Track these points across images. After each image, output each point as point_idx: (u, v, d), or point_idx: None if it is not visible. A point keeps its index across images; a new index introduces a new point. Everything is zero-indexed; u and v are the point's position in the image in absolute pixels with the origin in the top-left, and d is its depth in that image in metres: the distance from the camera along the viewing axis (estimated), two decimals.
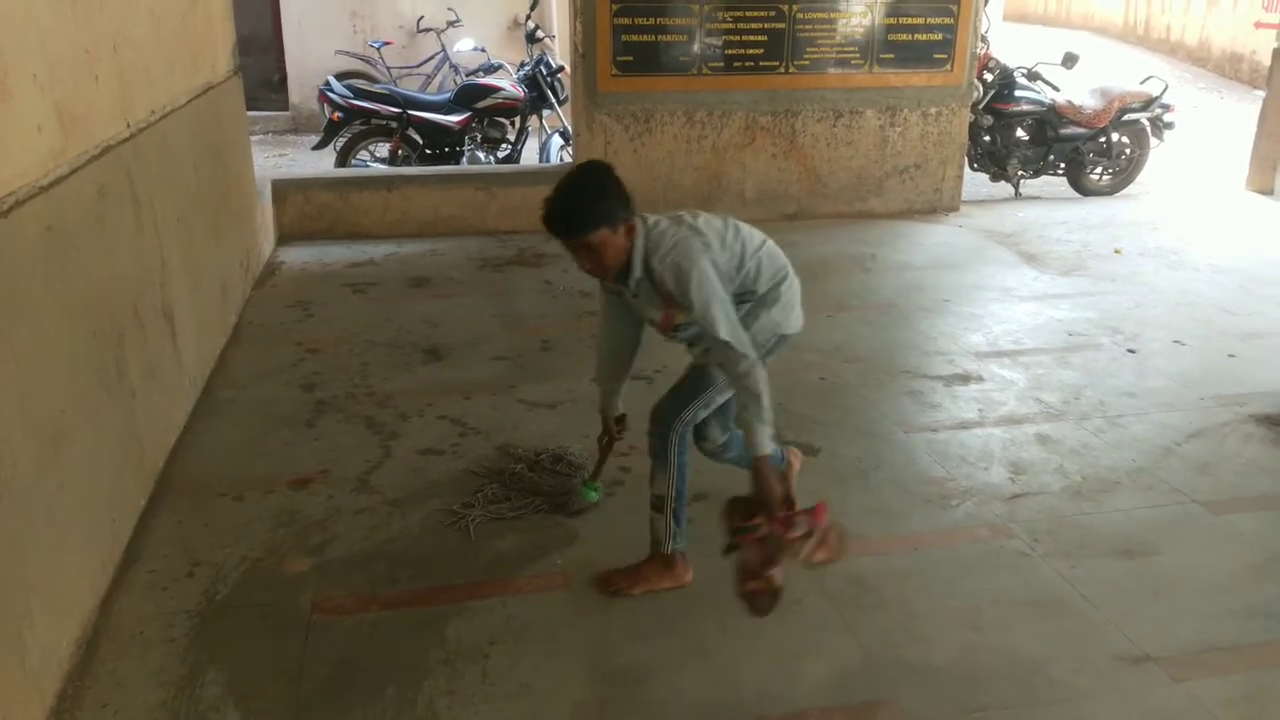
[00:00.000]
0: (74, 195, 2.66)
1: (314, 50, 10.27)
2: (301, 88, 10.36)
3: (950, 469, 3.42)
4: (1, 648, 2.05)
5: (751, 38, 6.35)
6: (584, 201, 2.41)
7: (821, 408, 3.87)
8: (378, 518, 3.09)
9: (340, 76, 9.28)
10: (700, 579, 2.78)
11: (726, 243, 2.54)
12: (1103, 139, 7.37)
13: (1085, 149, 7.38)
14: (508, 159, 7.57)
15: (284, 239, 6.13)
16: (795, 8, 6.33)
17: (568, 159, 7.25)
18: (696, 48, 6.28)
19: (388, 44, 10.29)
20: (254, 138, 10.02)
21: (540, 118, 7.94)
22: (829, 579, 2.80)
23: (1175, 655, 2.51)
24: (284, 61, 10.62)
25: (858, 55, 6.50)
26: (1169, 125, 7.40)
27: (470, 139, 7.42)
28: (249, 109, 10.44)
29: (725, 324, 2.39)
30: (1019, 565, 2.88)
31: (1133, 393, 4.01)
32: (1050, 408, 3.88)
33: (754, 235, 2.65)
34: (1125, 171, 7.53)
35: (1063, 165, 7.48)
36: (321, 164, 7.72)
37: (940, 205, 6.90)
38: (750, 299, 2.61)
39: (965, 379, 4.16)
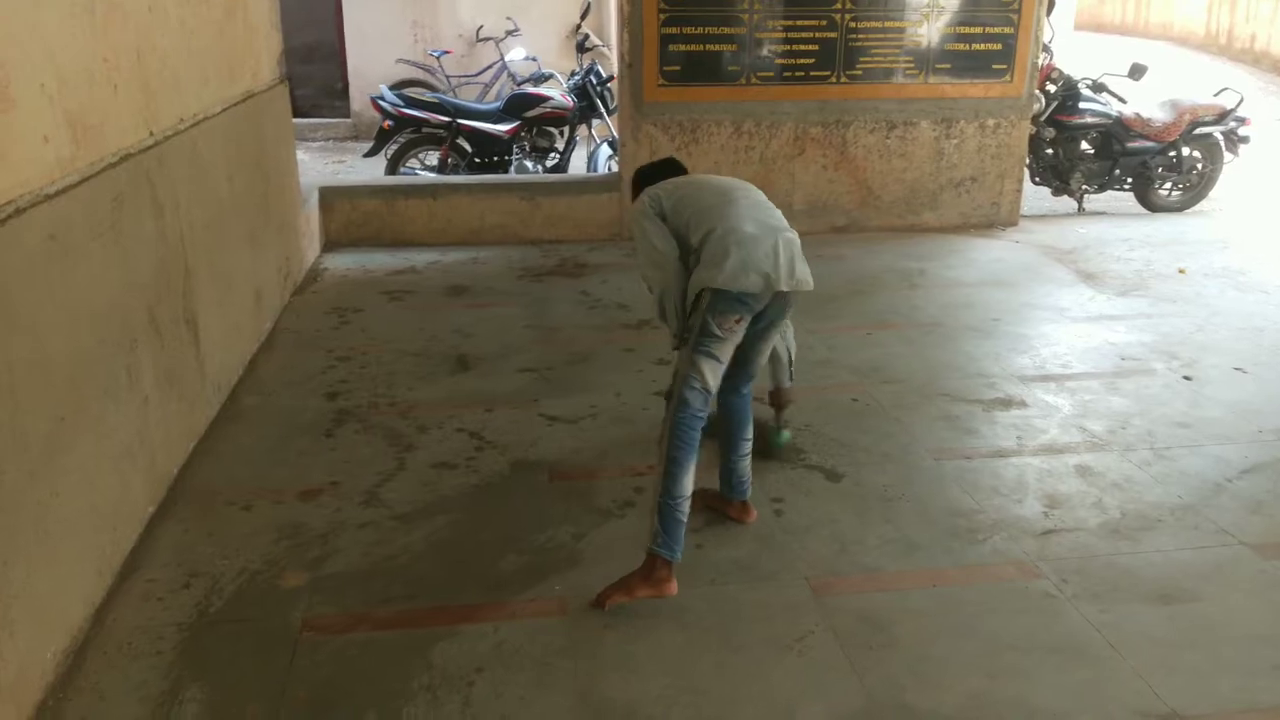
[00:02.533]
0: (84, 203, 2.67)
1: (375, 59, 10.42)
2: (362, 95, 10.45)
3: (980, 500, 3.25)
4: None
5: (802, 47, 6.22)
6: (632, 197, 3.04)
7: (850, 430, 3.73)
8: (381, 532, 3.04)
9: (400, 85, 9.43)
10: (702, 610, 2.67)
11: (660, 204, 2.83)
12: (1172, 153, 7.06)
13: (1153, 163, 7.07)
14: (555, 168, 7.54)
15: (330, 245, 6.18)
16: (848, 17, 6.18)
17: (615, 168, 7.19)
18: (745, 57, 6.17)
19: (447, 53, 10.40)
20: (315, 144, 10.33)
21: (590, 127, 7.90)
22: (839, 615, 2.67)
23: (1208, 714, 2.32)
24: (346, 70, 10.79)
25: (912, 65, 6.32)
26: (1244, 139, 7.05)
27: (519, 148, 7.41)
28: (313, 116, 10.82)
29: (641, 260, 2.85)
30: (1044, 607, 2.71)
31: (1185, 423, 3.78)
32: (1094, 437, 3.67)
33: (697, 197, 2.81)
34: (1196, 187, 7.20)
35: (1129, 180, 7.18)
36: (374, 171, 7.79)
37: (998, 220, 6.67)
38: (692, 253, 2.76)
39: (1006, 404, 3.97)
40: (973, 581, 2.83)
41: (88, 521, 2.63)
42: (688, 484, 2.67)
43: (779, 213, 2.86)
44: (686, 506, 2.67)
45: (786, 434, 3.54)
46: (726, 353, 2.73)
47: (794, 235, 2.78)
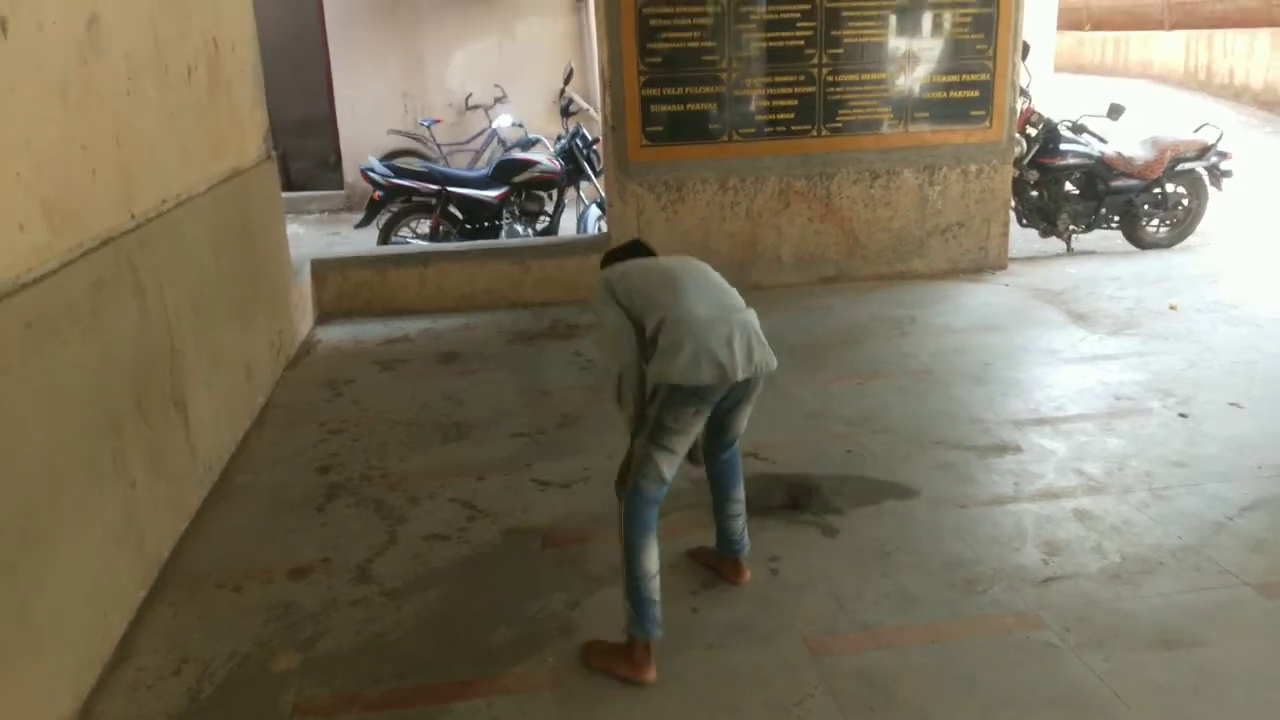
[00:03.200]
0: (62, 290, 2.68)
1: (367, 130, 10.57)
2: (355, 167, 10.60)
3: (979, 550, 3.21)
4: None
5: (782, 102, 6.30)
6: None
7: (844, 483, 3.69)
8: (373, 609, 3.00)
9: (392, 155, 9.56)
10: (698, 676, 2.63)
11: (613, 287, 2.73)
12: (1156, 190, 7.11)
13: (1139, 201, 7.12)
14: (546, 231, 7.61)
15: (324, 317, 6.20)
16: (825, 71, 6.27)
17: (604, 229, 7.24)
18: (726, 115, 6.24)
19: (437, 122, 10.55)
20: (310, 216, 10.43)
21: (578, 189, 7.98)
22: (838, 675, 2.62)
23: None
24: (339, 142, 10.94)
25: (892, 115, 6.39)
26: (1227, 173, 7.10)
27: (509, 213, 7.48)
28: (307, 188, 10.95)
29: (598, 342, 2.99)
30: (1046, 658, 2.65)
31: (1182, 462, 3.75)
32: (1091, 480, 3.64)
33: (644, 283, 2.70)
34: (1183, 223, 7.24)
35: (1116, 218, 7.23)
36: (367, 241, 7.84)
37: (986, 264, 6.69)
38: (649, 341, 2.64)
39: (1001, 450, 3.94)
40: (973, 635, 2.78)
41: (75, 610, 2.60)
42: (651, 563, 2.62)
43: (733, 292, 2.75)
44: (655, 584, 2.62)
45: None
46: (684, 445, 2.64)
47: (750, 316, 2.66)
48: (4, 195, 2.44)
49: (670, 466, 2.64)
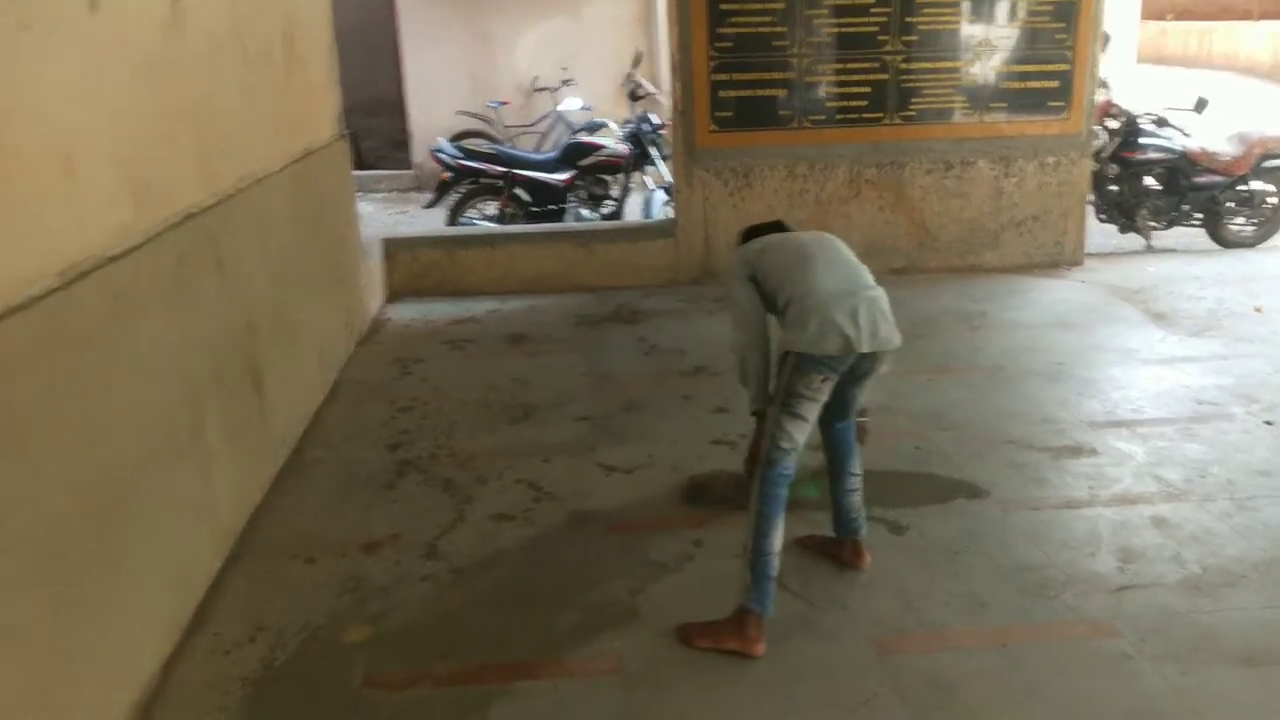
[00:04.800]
0: (146, 264, 2.73)
1: (435, 111, 10.66)
2: (423, 147, 10.71)
3: (1051, 554, 3.14)
4: (45, 715, 2.07)
5: (854, 89, 6.20)
6: None
7: (912, 481, 3.65)
8: (441, 586, 3.04)
9: (459, 136, 9.64)
10: (763, 670, 2.62)
11: (750, 263, 2.89)
12: (1242, 187, 6.88)
13: (1223, 198, 6.90)
14: (611, 215, 7.61)
15: (394, 296, 6.27)
16: (899, 58, 6.16)
17: (670, 214, 7.22)
18: (796, 101, 6.17)
19: (505, 103, 10.61)
20: (379, 196, 10.57)
21: (644, 174, 7.97)
22: (904, 676, 2.59)
23: None
24: (408, 122, 11.05)
25: (967, 104, 6.26)
26: None
27: (574, 196, 7.50)
28: (377, 168, 11.09)
29: (731, 318, 2.96)
30: (1120, 669, 2.59)
31: (1268, 471, 3.63)
32: (1171, 486, 3.54)
33: (779, 258, 2.83)
34: (1269, 221, 7.00)
35: (1199, 215, 7.01)
36: (435, 222, 7.92)
37: (1062, 259, 6.53)
38: (780, 314, 2.79)
39: (1076, 452, 3.85)
40: (1044, 640, 2.73)
41: (157, 577, 2.67)
42: (777, 539, 2.68)
43: (864, 270, 2.84)
44: (777, 562, 2.68)
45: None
46: (813, 412, 2.74)
47: (878, 293, 2.76)
48: (91, 172, 2.49)
49: (802, 434, 2.73)
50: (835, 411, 2.96)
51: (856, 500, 3.06)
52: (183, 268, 2.98)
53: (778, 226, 3.09)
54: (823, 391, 2.71)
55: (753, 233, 3.06)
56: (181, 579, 2.84)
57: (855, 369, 2.76)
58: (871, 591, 2.97)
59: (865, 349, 2.66)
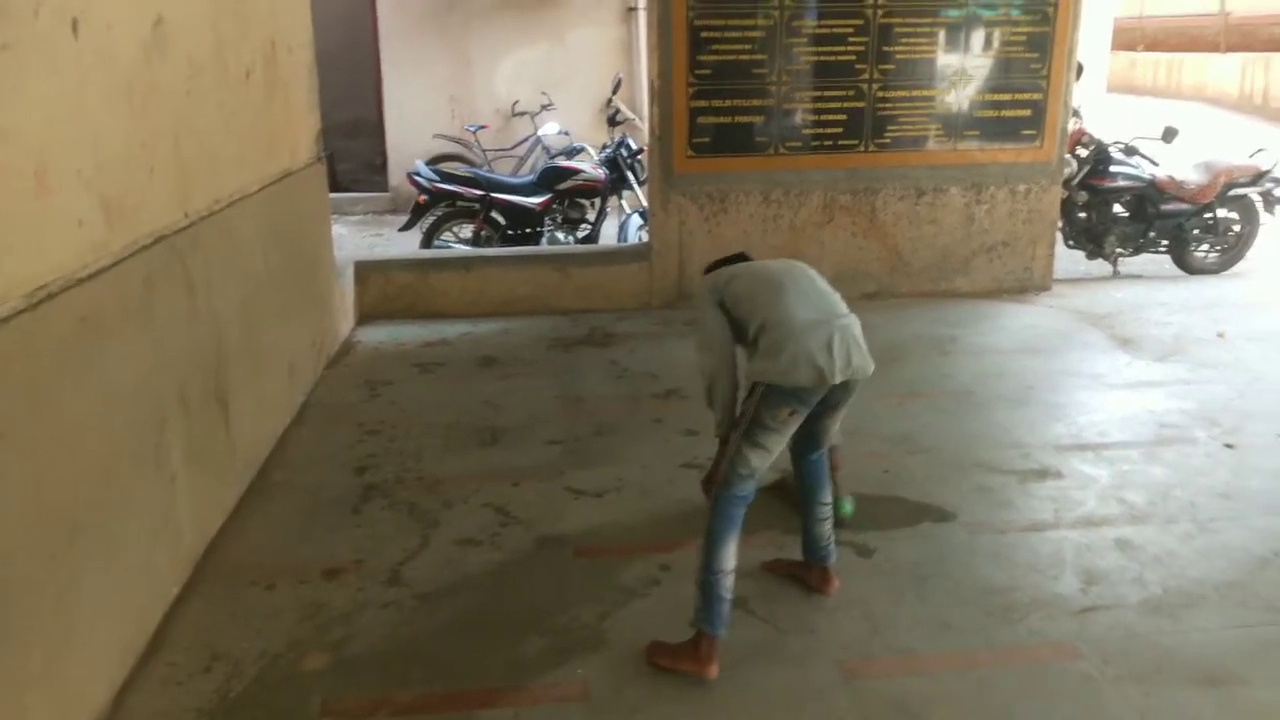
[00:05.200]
0: (115, 286, 2.72)
1: (414, 134, 10.65)
2: (401, 170, 10.66)
3: (1016, 577, 3.16)
4: None
5: (830, 116, 6.27)
6: None
7: (880, 504, 3.66)
8: (404, 613, 3.01)
9: (437, 159, 9.63)
10: (729, 695, 2.61)
11: (720, 290, 2.85)
12: (1208, 215, 6.99)
13: (1189, 225, 7.00)
14: (587, 239, 7.62)
15: (365, 318, 6.25)
16: (875, 86, 6.23)
17: (645, 239, 7.25)
18: (773, 128, 6.23)
19: (483, 127, 10.62)
20: (354, 218, 10.53)
21: (620, 198, 8.00)
22: (871, 701, 2.59)
23: None
24: (385, 145, 11.05)
25: (941, 132, 6.34)
26: None
27: (551, 220, 7.52)
28: (353, 190, 11.07)
29: (696, 343, 2.92)
30: (1084, 691, 2.61)
31: (1228, 494, 3.67)
32: (1134, 509, 3.57)
33: (750, 286, 2.80)
34: (1233, 249, 7.10)
35: (1165, 243, 7.11)
36: (410, 245, 7.91)
37: (1031, 285, 6.61)
38: (750, 343, 2.76)
39: (1042, 475, 3.88)
40: (1009, 664, 2.74)
41: (112, 602, 2.64)
42: (728, 558, 2.67)
43: (836, 297, 2.84)
44: (729, 582, 2.67)
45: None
46: (778, 443, 2.73)
47: (851, 320, 2.76)
48: (66, 192, 2.48)
49: (763, 463, 2.73)
50: (807, 444, 2.97)
51: (827, 528, 3.06)
52: (151, 289, 2.96)
53: (742, 258, 3.08)
54: (790, 424, 2.70)
55: (720, 264, 3.05)
56: (137, 605, 2.79)
57: (827, 399, 2.75)
58: (838, 615, 2.97)
59: (838, 380, 2.65)
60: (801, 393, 2.65)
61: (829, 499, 3.06)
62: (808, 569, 3.10)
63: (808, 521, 3.06)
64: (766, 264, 2.96)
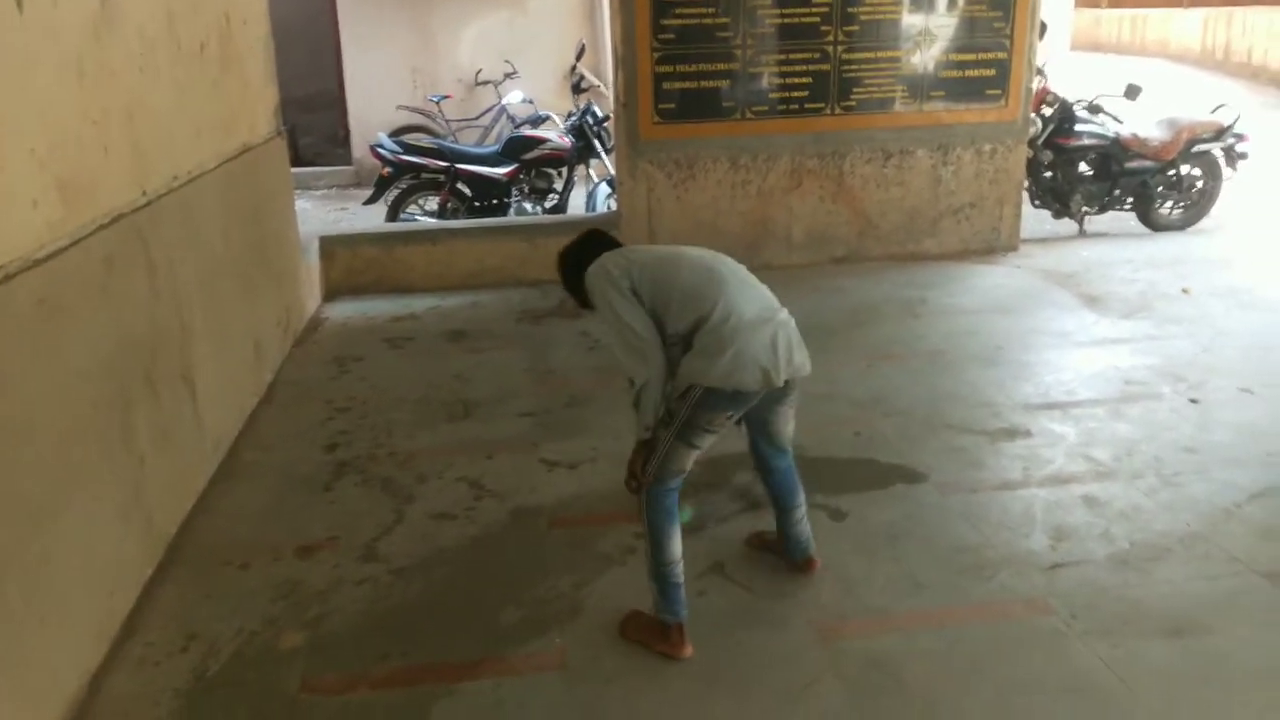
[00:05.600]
0: (74, 266, 2.67)
1: (375, 106, 10.51)
2: (363, 143, 10.51)
3: (987, 535, 3.20)
4: None
5: (796, 80, 6.23)
6: (570, 284, 2.81)
7: (853, 466, 3.69)
8: (380, 588, 3.01)
9: (401, 131, 9.52)
10: (706, 659, 2.63)
11: (631, 277, 2.57)
12: (1171, 172, 7.05)
13: (1153, 183, 7.06)
14: (555, 209, 7.57)
15: (331, 294, 6.19)
16: (840, 48, 6.20)
17: (614, 207, 7.21)
18: (739, 92, 6.19)
19: (447, 97, 10.48)
20: (318, 193, 10.39)
21: (588, 167, 7.94)
22: (847, 660, 2.62)
23: None
24: (347, 118, 10.89)
25: (906, 93, 6.33)
26: (1243, 155, 7.02)
27: (518, 190, 7.45)
28: (315, 164, 10.92)
29: (619, 346, 2.58)
30: (1054, 645, 2.65)
31: (1192, 447, 3.73)
32: (1100, 465, 3.62)
33: (676, 274, 2.56)
34: (1197, 205, 7.17)
35: (1130, 200, 7.17)
36: (375, 218, 7.82)
37: (998, 245, 6.64)
38: (673, 339, 2.56)
39: (1011, 434, 3.92)
40: (981, 620, 2.78)
41: (83, 586, 2.61)
42: (675, 549, 2.63)
43: (767, 291, 2.66)
44: (679, 569, 2.64)
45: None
46: (709, 443, 2.60)
47: (788, 317, 2.61)
48: (18, 172, 2.43)
49: (691, 460, 2.63)
50: (767, 445, 2.84)
51: (805, 528, 2.97)
52: (111, 269, 2.91)
53: (605, 240, 2.79)
54: (725, 426, 2.58)
55: (589, 248, 2.75)
56: (109, 587, 2.77)
57: (767, 397, 2.61)
58: (813, 578, 2.99)
59: (781, 380, 2.52)
60: (741, 396, 2.51)
61: (802, 500, 2.94)
62: (790, 560, 3.01)
63: (784, 525, 2.97)
64: (688, 251, 2.69)
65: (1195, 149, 7.00)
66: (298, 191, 6.68)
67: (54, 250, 2.57)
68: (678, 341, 2.55)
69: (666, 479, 2.61)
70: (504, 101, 10.12)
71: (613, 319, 2.55)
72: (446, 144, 7.76)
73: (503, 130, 9.97)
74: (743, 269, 2.69)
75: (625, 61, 6.07)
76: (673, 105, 6.17)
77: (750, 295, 2.58)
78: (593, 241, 2.79)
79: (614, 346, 2.59)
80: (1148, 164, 7.01)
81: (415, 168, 7.22)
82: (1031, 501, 3.39)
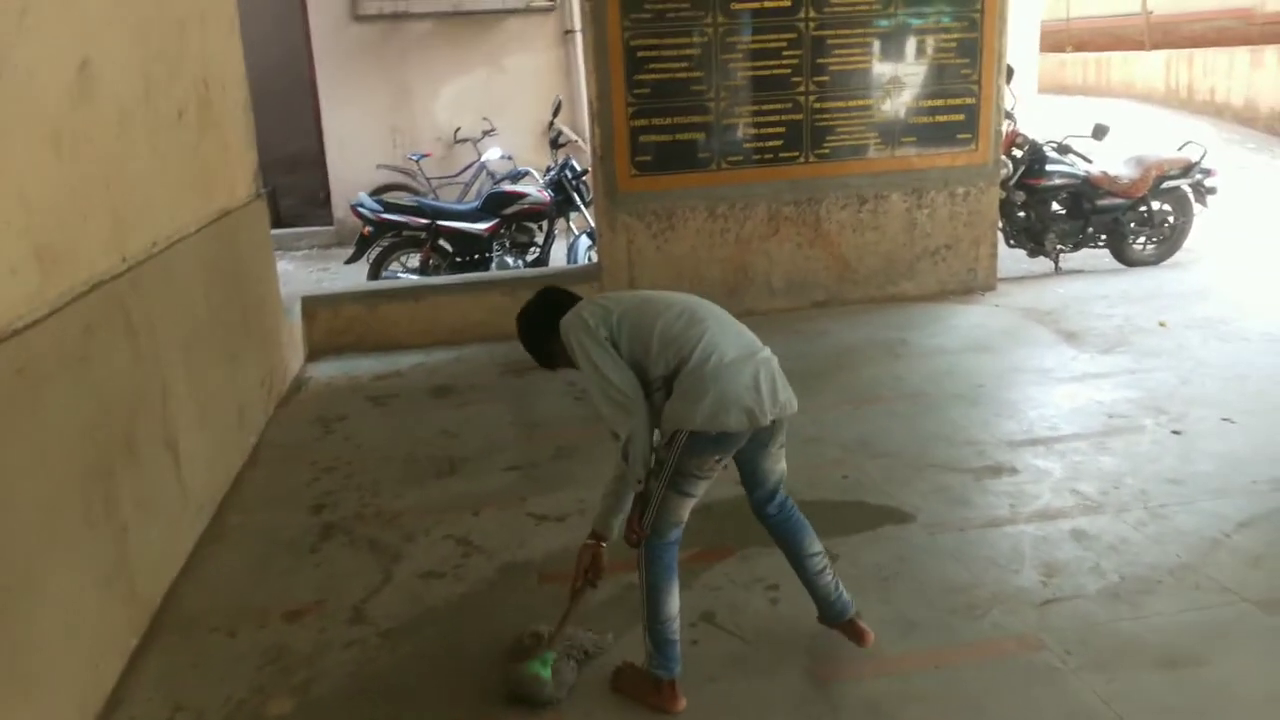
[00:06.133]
0: (54, 335, 2.67)
1: (355, 165, 10.59)
2: (344, 203, 10.56)
3: (977, 573, 3.19)
4: None
5: (770, 130, 6.34)
6: (532, 345, 2.80)
7: (842, 509, 3.68)
8: (368, 651, 2.97)
9: (381, 189, 9.58)
10: (701, 712, 2.60)
11: (610, 325, 2.54)
12: (1143, 208, 7.17)
13: (1125, 219, 7.18)
14: (536, 262, 7.62)
15: (314, 354, 6.18)
16: (812, 98, 6.32)
17: (595, 258, 7.26)
18: (714, 143, 6.28)
19: (426, 155, 10.58)
20: (299, 253, 10.42)
21: (568, 220, 8.01)
22: (843, 705, 2.60)
23: None
24: (328, 178, 10.96)
25: (879, 139, 6.44)
26: (1211, 190, 7.17)
27: (499, 245, 7.50)
28: (297, 225, 10.96)
29: (600, 400, 2.53)
30: (1050, 681, 2.64)
31: (1177, 479, 3.75)
32: (1087, 499, 3.64)
33: (654, 319, 2.53)
34: (1169, 240, 7.29)
35: (1103, 237, 7.28)
36: (357, 277, 7.84)
37: (975, 285, 6.72)
38: (655, 384, 2.52)
39: (997, 471, 3.94)
40: (975, 659, 2.77)
41: (67, 656, 2.57)
42: (673, 606, 2.60)
43: (748, 331, 2.63)
44: (676, 625, 2.61)
45: (544, 667, 2.69)
46: (703, 489, 2.57)
47: (770, 355, 2.57)
48: None
49: (687, 509, 2.59)
50: (758, 492, 2.74)
51: (828, 579, 2.77)
52: (91, 336, 2.91)
53: (563, 295, 2.77)
54: (716, 470, 2.55)
55: (544, 309, 2.74)
56: (94, 657, 2.73)
57: (755, 439, 2.59)
58: (805, 622, 2.96)
59: (768, 420, 2.48)
60: (727, 439, 2.47)
61: (818, 548, 2.77)
62: (836, 626, 2.82)
63: (805, 578, 2.78)
64: (665, 295, 2.68)
65: (1165, 185, 7.13)
66: (279, 253, 6.71)
67: (33, 320, 2.56)
68: (661, 386, 2.52)
69: (665, 531, 2.57)
70: (483, 158, 10.22)
71: (591, 372, 2.52)
72: (427, 201, 7.81)
73: (482, 186, 10.04)
74: (722, 310, 2.66)
75: (602, 116, 6.16)
76: (649, 157, 6.25)
77: (730, 335, 2.55)
78: (550, 299, 2.76)
79: (594, 400, 2.55)
80: (1119, 201, 7.13)
81: (396, 226, 7.26)
82: (1020, 538, 3.39)
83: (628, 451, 2.53)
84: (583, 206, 7.73)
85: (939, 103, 6.48)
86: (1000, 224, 6.92)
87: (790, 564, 2.81)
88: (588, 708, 2.65)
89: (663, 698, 2.60)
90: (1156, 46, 15.81)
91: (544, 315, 2.70)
